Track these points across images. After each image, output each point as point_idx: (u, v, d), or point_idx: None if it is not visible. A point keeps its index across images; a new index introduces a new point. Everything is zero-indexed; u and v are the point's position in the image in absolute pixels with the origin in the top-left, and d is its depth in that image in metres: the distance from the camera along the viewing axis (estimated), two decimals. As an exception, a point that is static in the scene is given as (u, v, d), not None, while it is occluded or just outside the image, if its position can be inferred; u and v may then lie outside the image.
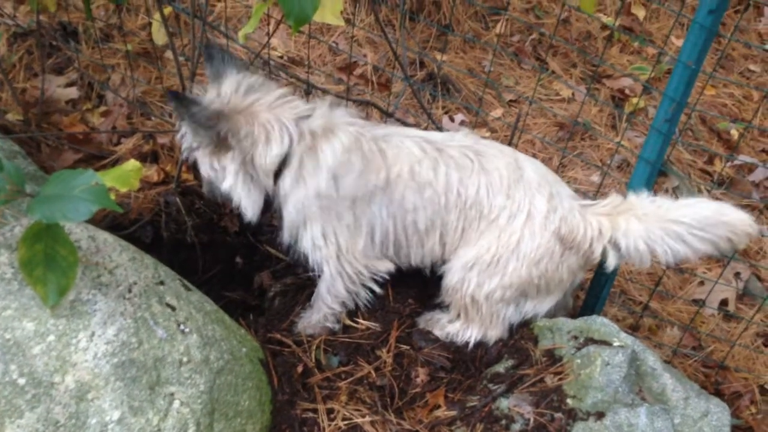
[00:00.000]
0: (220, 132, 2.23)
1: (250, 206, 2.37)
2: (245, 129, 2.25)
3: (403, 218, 2.39)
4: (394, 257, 2.50)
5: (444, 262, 2.51)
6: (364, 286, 2.52)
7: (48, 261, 1.78)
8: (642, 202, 2.36)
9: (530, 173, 2.39)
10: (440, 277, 2.53)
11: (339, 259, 2.43)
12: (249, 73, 2.33)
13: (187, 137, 2.32)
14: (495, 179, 2.36)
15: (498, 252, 2.37)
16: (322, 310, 2.55)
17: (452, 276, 2.45)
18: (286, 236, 2.47)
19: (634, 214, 2.33)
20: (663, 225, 2.29)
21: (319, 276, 2.52)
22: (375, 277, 2.50)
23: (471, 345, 2.52)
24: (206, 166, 2.35)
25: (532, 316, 2.52)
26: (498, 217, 2.37)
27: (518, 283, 2.40)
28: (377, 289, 2.53)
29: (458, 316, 2.52)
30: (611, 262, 2.38)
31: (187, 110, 2.17)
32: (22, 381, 1.77)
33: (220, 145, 2.26)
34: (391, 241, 2.44)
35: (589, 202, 2.46)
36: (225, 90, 2.28)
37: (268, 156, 2.27)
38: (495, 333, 2.51)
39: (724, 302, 3.33)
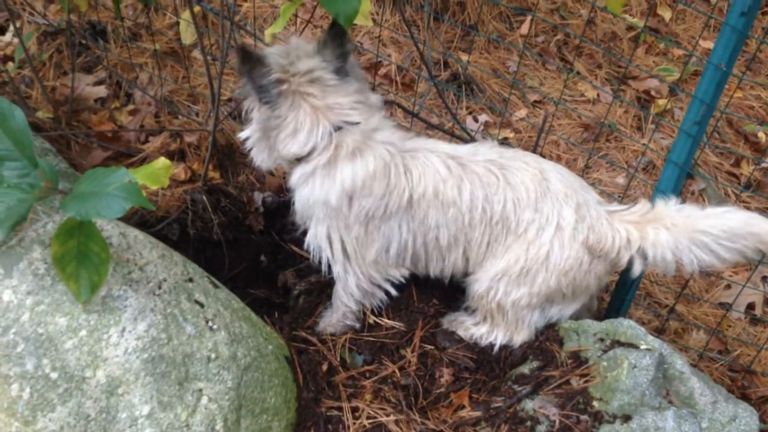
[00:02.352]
0: (262, 99, 2.24)
1: (258, 160, 2.39)
2: (282, 110, 2.23)
3: (425, 235, 2.38)
4: (411, 267, 2.49)
5: (467, 274, 2.50)
6: (378, 287, 2.51)
7: (80, 257, 1.81)
8: (670, 211, 2.34)
9: (556, 184, 2.37)
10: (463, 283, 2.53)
11: (348, 263, 2.43)
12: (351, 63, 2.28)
13: (243, 84, 2.31)
14: (522, 193, 2.34)
15: (527, 264, 2.36)
16: (341, 309, 2.57)
17: (480, 285, 2.45)
18: (297, 218, 2.48)
19: (663, 224, 2.31)
20: (691, 236, 2.27)
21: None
22: (391, 279, 2.50)
23: (496, 348, 2.52)
24: (242, 111, 2.38)
25: (557, 319, 2.52)
26: (526, 230, 2.35)
27: (546, 292, 2.40)
28: (393, 291, 2.53)
29: (484, 320, 2.52)
30: (637, 269, 2.37)
31: (248, 67, 2.18)
32: (54, 375, 1.80)
33: (267, 104, 2.25)
34: (408, 255, 2.43)
35: (616, 206, 2.45)
36: (302, 65, 2.22)
37: (285, 148, 2.27)
38: (520, 337, 2.51)
39: (750, 306, 3.30)
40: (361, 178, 2.25)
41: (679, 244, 2.28)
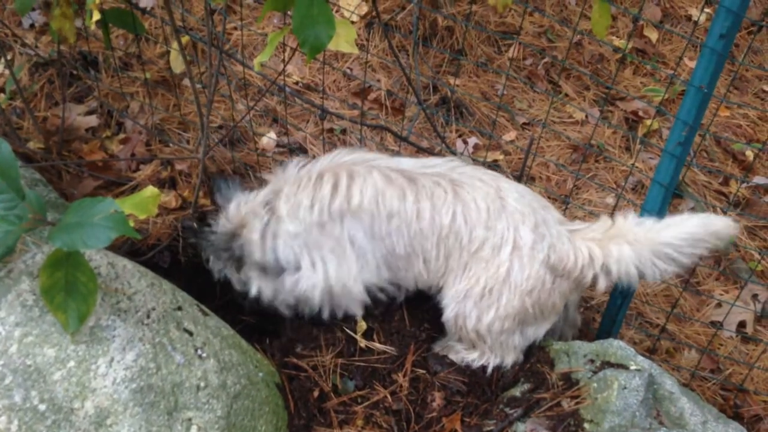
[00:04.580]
0: (235, 250, 2.48)
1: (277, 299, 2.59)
2: (243, 237, 2.46)
3: (382, 244, 2.40)
4: (395, 279, 2.50)
5: (437, 288, 2.50)
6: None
7: (68, 288, 1.81)
8: (631, 226, 2.35)
9: (512, 203, 2.36)
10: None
11: (326, 285, 2.48)
12: (248, 190, 2.57)
13: (214, 263, 2.60)
14: (472, 210, 2.34)
15: (488, 283, 2.36)
16: None
17: (449, 310, 2.46)
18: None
19: (626, 239, 2.32)
20: (654, 248, 2.29)
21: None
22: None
23: (489, 370, 2.52)
24: (236, 283, 2.61)
25: (534, 339, 2.52)
26: (480, 248, 2.35)
27: (514, 313, 2.39)
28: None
29: (473, 346, 2.52)
30: (601, 286, 2.37)
31: (206, 240, 2.50)
32: (42, 407, 1.80)
33: (240, 260, 2.50)
34: (381, 263, 2.44)
35: (578, 225, 2.44)
36: (231, 212, 2.52)
37: (253, 247, 2.46)
38: (511, 359, 2.51)
39: (742, 324, 3.30)
40: (286, 195, 2.44)
41: (642, 258, 2.29)
